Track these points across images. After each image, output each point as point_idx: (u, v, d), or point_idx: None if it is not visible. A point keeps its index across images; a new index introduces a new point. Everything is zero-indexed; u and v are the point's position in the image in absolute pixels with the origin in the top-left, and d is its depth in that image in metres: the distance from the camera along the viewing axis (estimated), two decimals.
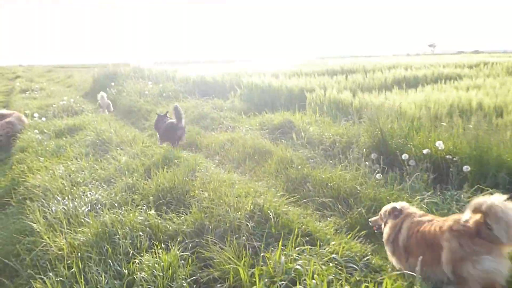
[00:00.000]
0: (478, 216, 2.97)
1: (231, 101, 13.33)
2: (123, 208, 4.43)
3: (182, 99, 13.92)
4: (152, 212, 4.32)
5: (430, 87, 12.99)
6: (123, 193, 5.07)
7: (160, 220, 4.19)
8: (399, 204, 3.77)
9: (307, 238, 3.94)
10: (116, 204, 4.60)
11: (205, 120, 10.77)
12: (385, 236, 3.72)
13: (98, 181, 5.70)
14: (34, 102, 14.94)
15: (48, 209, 4.46)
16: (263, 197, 4.58)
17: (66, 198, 4.78)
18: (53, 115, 11.77)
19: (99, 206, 4.72)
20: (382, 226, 3.86)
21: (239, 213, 4.29)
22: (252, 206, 4.39)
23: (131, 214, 4.10)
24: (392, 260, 3.60)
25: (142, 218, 4.12)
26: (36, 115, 11.17)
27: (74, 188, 5.23)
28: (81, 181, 5.59)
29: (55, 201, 4.72)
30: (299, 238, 3.80)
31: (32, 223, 4.14)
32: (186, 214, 4.43)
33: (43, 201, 4.76)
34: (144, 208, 4.46)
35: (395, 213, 3.70)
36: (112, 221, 4.01)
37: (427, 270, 3.18)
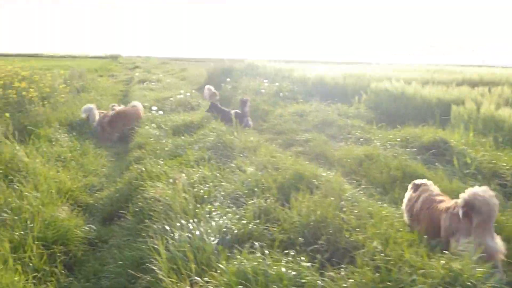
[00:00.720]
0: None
1: (355, 107, 11.90)
2: (264, 248, 3.33)
3: (301, 101, 12.76)
4: (305, 262, 3.16)
5: None
6: (257, 221, 4.01)
7: (317, 277, 3.01)
8: (420, 181, 4.46)
9: None
10: (253, 241, 3.52)
11: (331, 128, 9.51)
12: (403, 204, 4.43)
13: (224, 197, 4.73)
14: (151, 93, 14.84)
15: (171, 237, 3.53)
16: (458, 260, 3.20)
17: (191, 221, 3.84)
18: (170, 109, 11.33)
19: (229, 236, 3.72)
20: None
21: (425, 278, 3.00)
22: (443, 271, 3.06)
23: (281, 268, 2.97)
24: (407, 222, 4.22)
25: (294, 273, 2.97)
26: (154, 108, 10.78)
27: (199, 206, 4.30)
28: (205, 196, 4.65)
29: (178, 224, 3.80)
30: None
31: (152, 257, 3.22)
32: (346, 269, 3.23)
33: (164, 222, 3.87)
34: (292, 253, 3.32)
35: (414, 187, 4.38)
36: (255, 272, 2.93)
37: (430, 239, 3.62)
